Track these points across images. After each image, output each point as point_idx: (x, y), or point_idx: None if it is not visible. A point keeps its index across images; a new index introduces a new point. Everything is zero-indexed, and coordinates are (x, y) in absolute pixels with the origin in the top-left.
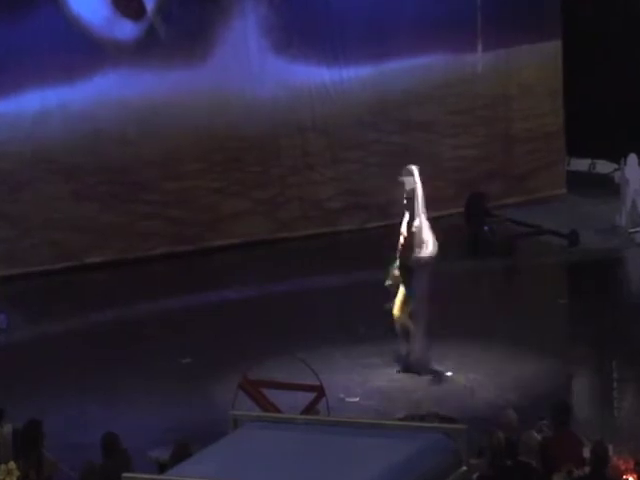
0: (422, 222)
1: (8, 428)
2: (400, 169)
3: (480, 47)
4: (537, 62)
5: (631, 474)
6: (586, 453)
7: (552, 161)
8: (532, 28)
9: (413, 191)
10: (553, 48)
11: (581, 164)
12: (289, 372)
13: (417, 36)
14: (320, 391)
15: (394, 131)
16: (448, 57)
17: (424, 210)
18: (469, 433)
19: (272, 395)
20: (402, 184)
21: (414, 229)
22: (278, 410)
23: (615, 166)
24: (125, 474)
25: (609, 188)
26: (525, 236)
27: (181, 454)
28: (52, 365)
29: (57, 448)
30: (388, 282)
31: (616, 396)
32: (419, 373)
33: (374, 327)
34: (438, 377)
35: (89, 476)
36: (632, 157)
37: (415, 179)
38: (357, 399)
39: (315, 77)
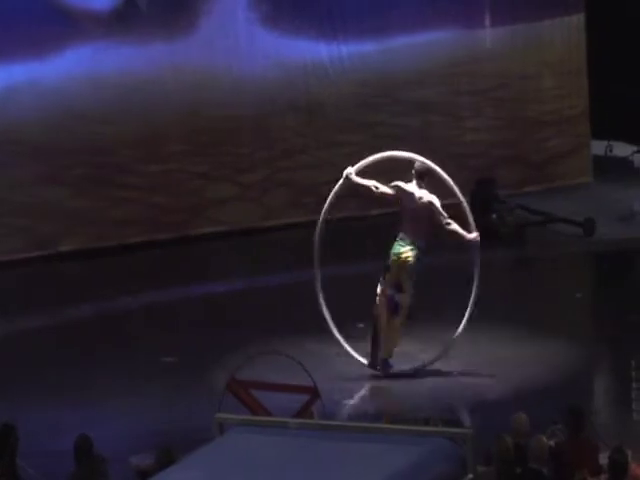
0: None
1: None
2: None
3: (488, 21)
4: (558, 38)
5: None
6: (603, 460)
7: (575, 146)
8: (552, 1)
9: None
10: (576, 22)
11: (596, 146)
12: (280, 372)
13: (424, 10)
14: (314, 393)
15: (397, 113)
16: (458, 33)
17: None
18: (476, 438)
19: (262, 397)
20: None
21: None
22: (268, 413)
23: (634, 148)
24: None
25: (628, 172)
26: (537, 225)
27: (164, 461)
28: (24, 364)
29: (30, 454)
30: None
31: (636, 398)
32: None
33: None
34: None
35: None
36: None
37: None
38: (354, 401)
39: (311, 52)
